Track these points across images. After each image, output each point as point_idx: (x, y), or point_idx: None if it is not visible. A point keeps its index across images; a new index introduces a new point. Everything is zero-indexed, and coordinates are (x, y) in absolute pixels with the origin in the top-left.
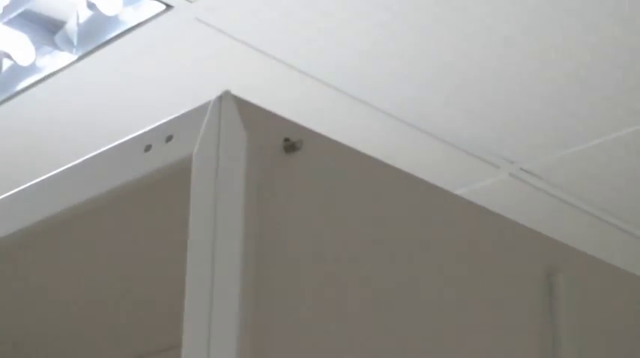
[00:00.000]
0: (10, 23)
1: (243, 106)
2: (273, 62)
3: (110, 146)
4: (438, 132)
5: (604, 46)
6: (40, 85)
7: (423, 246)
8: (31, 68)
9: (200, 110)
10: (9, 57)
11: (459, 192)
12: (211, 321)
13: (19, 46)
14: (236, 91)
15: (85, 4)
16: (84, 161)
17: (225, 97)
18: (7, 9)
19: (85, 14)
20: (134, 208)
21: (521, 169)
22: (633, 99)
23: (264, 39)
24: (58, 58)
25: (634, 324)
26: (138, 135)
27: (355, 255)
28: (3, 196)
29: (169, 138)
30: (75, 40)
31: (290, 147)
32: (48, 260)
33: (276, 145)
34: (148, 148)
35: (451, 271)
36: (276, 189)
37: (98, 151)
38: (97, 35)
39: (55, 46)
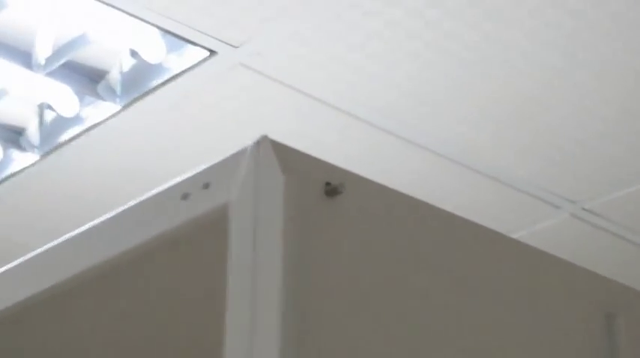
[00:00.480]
0: (52, 74)
1: (281, 151)
2: (319, 105)
3: (148, 195)
4: (492, 171)
5: None
6: (85, 136)
7: (475, 291)
8: (75, 119)
9: (237, 156)
10: (52, 108)
11: (518, 234)
12: None
13: (63, 98)
14: (282, 136)
15: (128, 52)
16: (122, 211)
17: (263, 142)
18: (50, 60)
19: (129, 63)
20: (172, 257)
21: (583, 209)
22: None
23: (309, 82)
24: (101, 108)
25: None
26: (175, 184)
27: (403, 304)
28: (48, 246)
29: (207, 186)
30: (118, 90)
31: (331, 191)
32: (90, 310)
33: (317, 189)
34: (185, 196)
35: (507, 316)
36: (318, 234)
37: (136, 201)
38: (140, 83)
39: (99, 96)
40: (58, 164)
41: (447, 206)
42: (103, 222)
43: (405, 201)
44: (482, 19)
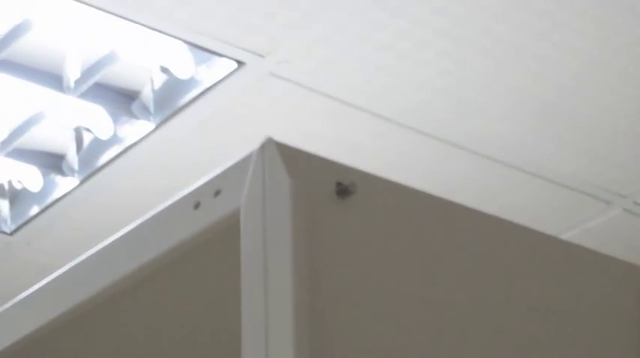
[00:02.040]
0: (84, 96)
1: (288, 152)
2: (352, 109)
3: (161, 206)
4: (536, 169)
5: None
6: (122, 157)
7: (500, 290)
8: (112, 140)
9: (245, 161)
10: (89, 131)
11: (570, 233)
12: None
13: (97, 119)
14: (317, 143)
15: (158, 69)
16: (137, 226)
17: (268, 145)
18: (80, 81)
19: (159, 79)
20: (187, 267)
21: (635, 203)
22: None
23: (341, 87)
24: (136, 127)
25: None
26: (187, 193)
27: (421, 305)
28: (63, 270)
29: (217, 193)
30: (151, 107)
31: (343, 191)
32: (107, 330)
33: (328, 190)
34: (197, 205)
35: (537, 317)
36: (331, 235)
37: (150, 213)
38: (172, 100)
39: (132, 115)
40: (98, 187)
41: (493, 208)
42: (117, 239)
43: (422, 198)
44: (511, 9)
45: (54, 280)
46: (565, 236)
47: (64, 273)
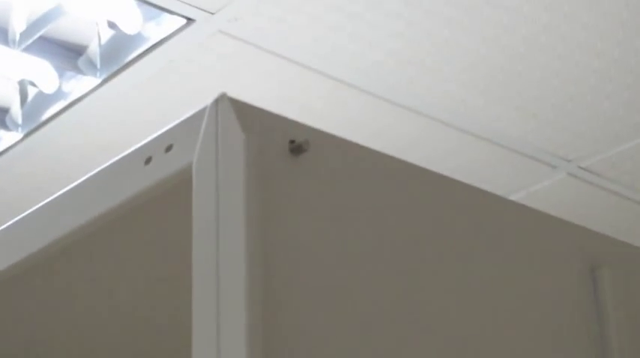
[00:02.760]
0: (30, 50)
1: (242, 109)
2: (302, 69)
3: (111, 161)
4: (485, 132)
5: None
6: (67, 112)
7: (451, 248)
8: (57, 95)
9: (198, 116)
10: (33, 84)
11: (516, 195)
12: (219, 332)
13: (42, 73)
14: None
15: (105, 24)
16: (86, 179)
17: (222, 100)
18: (25, 35)
19: (107, 35)
20: (138, 223)
21: (580, 167)
22: None
23: (291, 46)
24: (82, 83)
25: None
26: (138, 148)
27: (375, 264)
28: (13, 221)
29: (169, 148)
30: (98, 63)
31: (296, 148)
32: (60, 281)
33: (281, 147)
34: (148, 160)
35: (488, 273)
36: (284, 192)
37: (100, 167)
38: (119, 55)
39: (79, 71)
40: (42, 141)
41: (441, 170)
42: (68, 192)
43: (373, 157)
44: None
45: (2, 232)
46: (510, 198)
47: (13, 225)
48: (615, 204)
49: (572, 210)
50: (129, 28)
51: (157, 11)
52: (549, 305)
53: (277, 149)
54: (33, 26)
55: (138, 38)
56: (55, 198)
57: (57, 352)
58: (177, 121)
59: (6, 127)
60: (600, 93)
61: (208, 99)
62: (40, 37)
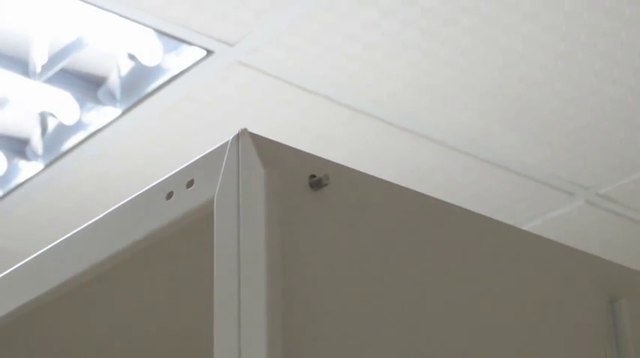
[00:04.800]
0: (51, 81)
1: (262, 144)
2: (319, 99)
3: (133, 196)
4: (501, 160)
5: None
6: (87, 142)
7: (473, 282)
8: (77, 126)
9: (219, 151)
10: (53, 116)
11: (533, 223)
12: None
13: (63, 105)
14: (285, 133)
15: (125, 55)
16: (108, 213)
17: (243, 136)
18: (46, 67)
19: (126, 66)
20: (159, 258)
21: (597, 195)
22: None
23: (308, 76)
24: (102, 114)
25: None
26: (159, 183)
27: (395, 297)
28: (35, 255)
29: (190, 183)
30: (118, 94)
31: (316, 183)
32: (79, 317)
33: (301, 182)
34: (169, 195)
35: (507, 307)
36: (305, 227)
37: (122, 202)
38: (139, 87)
39: (99, 102)
40: (63, 172)
41: (458, 198)
42: (89, 226)
43: (395, 191)
44: (480, 2)
45: (25, 265)
46: (528, 226)
47: (34, 259)
48: (634, 231)
49: (590, 237)
50: (148, 59)
51: (177, 43)
52: (568, 338)
53: (298, 184)
54: (54, 58)
55: (157, 70)
56: (77, 232)
57: None
58: (198, 156)
59: (27, 158)
60: (617, 120)
61: (227, 130)
62: (61, 69)
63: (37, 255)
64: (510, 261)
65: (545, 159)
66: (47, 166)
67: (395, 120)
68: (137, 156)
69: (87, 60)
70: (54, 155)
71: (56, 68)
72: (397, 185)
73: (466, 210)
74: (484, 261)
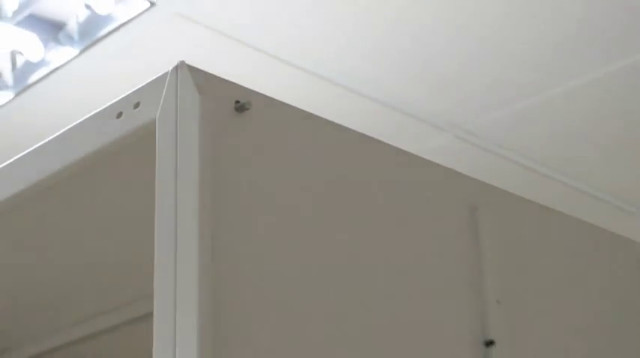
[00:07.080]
0: (20, 24)
1: (197, 74)
2: (252, 51)
3: (88, 115)
4: (380, 96)
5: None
6: (50, 77)
7: (356, 196)
8: (41, 63)
9: (162, 78)
10: (21, 54)
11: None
12: (176, 268)
13: (30, 45)
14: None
15: (83, 5)
16: (66, 130)
17: (181, 67)
18: (16, 13)
19: (83, 14)
20: (109, 168)
21: (464, 130)
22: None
23: (235, 25)
24: (62, 53)
25: (551, 254)
26: (111, 104)
27: (302, 205)
28: (5, 164)
29: (137, 105)
30: (76, 37)
31: (240, 107)
32: (36, 222)
33: (228, 107)
34: (119, 115)
35: (382, 213)
36: (230, 143)
37: (78, 120)
38: (93, 31)
39: (60, 43)
40: (29, 101)
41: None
42: (52, 140)
43: (311, 119)
44: None
45: None
46: None
47: (4, 168)
48: (493, 161)
49: (458, 168)
50: (101, 9)
51: None
52: (436, 242)
53: (225, 107)
54: (23, 5)
55: (108, 18)
56: (41, 145)
57: (36, 286)
58: (144, 83)
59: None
60: (483, 59)
61: (170, 67)
62: (29, 14)
63: (5, 165)
64: (387, 176)
65: (421, 97)
66: (16, 95)
67: (310, 67)
68: (91, 89)
69: (51, 7)
70: (22, 87)
71: (25, 13)
72: (314, 114)
73: (371, 138)
74: (372, 179)
